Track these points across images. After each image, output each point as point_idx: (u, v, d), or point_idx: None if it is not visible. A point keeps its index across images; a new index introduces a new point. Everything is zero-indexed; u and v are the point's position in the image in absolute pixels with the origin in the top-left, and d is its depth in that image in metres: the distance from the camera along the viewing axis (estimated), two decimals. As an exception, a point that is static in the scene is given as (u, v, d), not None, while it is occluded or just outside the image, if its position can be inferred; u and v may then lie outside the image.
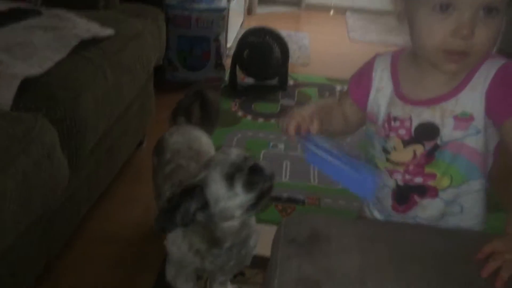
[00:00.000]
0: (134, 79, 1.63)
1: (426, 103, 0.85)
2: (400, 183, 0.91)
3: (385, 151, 0.91)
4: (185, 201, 0.99)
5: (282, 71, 2.87)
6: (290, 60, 2.96)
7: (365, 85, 0.92)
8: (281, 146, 2.26)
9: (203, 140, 1.38)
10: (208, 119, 1.54)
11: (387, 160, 0.91)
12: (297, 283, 0.73)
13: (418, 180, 0.89)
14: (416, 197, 0.91)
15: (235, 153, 1.04)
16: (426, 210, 0.91)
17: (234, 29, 3.64)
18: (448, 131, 0.83)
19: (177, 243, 1.15)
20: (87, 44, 1.47)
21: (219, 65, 2.84)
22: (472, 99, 0.81)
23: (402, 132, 0.88)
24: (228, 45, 3.22)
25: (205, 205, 1.01)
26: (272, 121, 2.52)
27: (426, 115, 0.85)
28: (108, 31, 1.55)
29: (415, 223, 0.90)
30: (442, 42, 0.77)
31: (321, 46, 3.83)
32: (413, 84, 0.86)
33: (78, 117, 1.25)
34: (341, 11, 4.97)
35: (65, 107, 1.22)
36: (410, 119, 0.86)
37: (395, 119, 0.88)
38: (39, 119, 1.14)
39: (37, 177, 1.09)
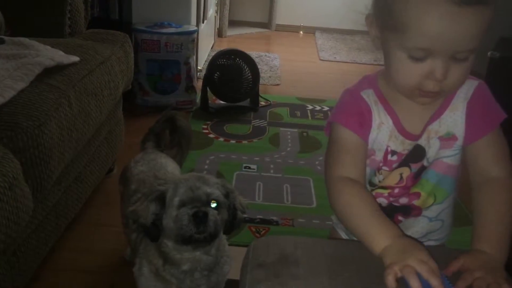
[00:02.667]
0: (101, 105, 1.61)
1: (420, 135, 0.85)
2: (384, 204, 0.90)
3: (371, 183, 0.91)
4: (147, 200, 1.05)
5: (253, 92, 2.89)
6: (261, 81, 2.99)
7: (368, 123, 0.87)
8: (254, 167, 2.26)
9: (169, 168, 1.36)
10: (179, 145, 1.54)
11: (373, 185, 0.91)
12: (266, 308, 0.71)
13: (403, 200, 0.90)
14: (400, 217, 0.91)
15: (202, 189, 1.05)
16: (410, 229, 0.91)
17: (205, 51, 3.66)
18: (433, 152, 0.85)
19: (142, 269, 1.14)
20: (52, 71, 1.45)
21: (190, 88, 2.84)
22: (454, 119, 0.84)
23: (394, 165, 0.88)
24: (199, 67, 3.23)
25: (161, 212, 1.05)
26: (244, 142, 2.52)
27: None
28: (72, 58, 1.54)
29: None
30: (417, 84, 0.78)
31: (291, 66, 3.87)
32: (410, 114, 0.85)
33: (42, 146, 1.22)
34: (311, 31, 5.06)
35: (28, 136, 1.19)
36: (407, 153, 0.87)
37: (393, 153, 0.87)
38: (0, 149, 1.11)
39: (-1, 209, 1.05)
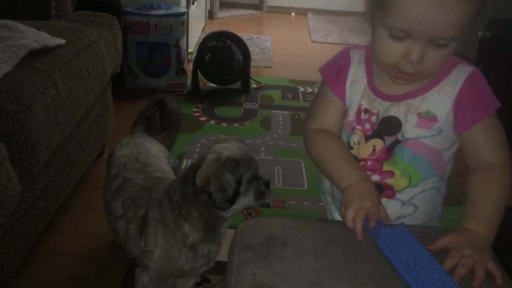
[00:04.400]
0: (88, 88, 1.59)
1: (394, 98, 0.86)
2: None
3: (349, 146, 0.91)
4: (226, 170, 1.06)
5: (244, 74, 2.87)
6: (252, 63, 2.96)
7: (342, 78, 0.91)
8: (245, 150, 2.25)
9: (153, 152, 1.36)
10: (169, 129, 1.53)
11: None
12: (252, 290, 0.71)
13: (376, 177, 0.89)
14: None
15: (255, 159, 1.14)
16: None
17: (196, 34, 3.63)
18: (410, 127, 0.85)
19: (164, 252, 1.14)
20: (37, 54, 1.43)
21: (181, 71, 2.81)
22: (439, 100, 0.83)
23: (367, 126, 0.88)
24: (190, 50, 3.20)
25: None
26: (236, 125, 2.51)
27: (391, 110, 0.86)
28: (58, 41, 1.51)
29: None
30: (394, 62, 0.79)
31: (283, 48, 3.85)
32: (386, 79, 0.87)
33: (28, 130, 1.21)
34: (303, 13, 5.02)
35: (14, 120, 1.18)
36: (378, 113, 0.87)
37: (365, 111, 0.88)
38: (-15, 134, 1.10)
39: (-15, 194, 1.04)
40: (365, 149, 0.89)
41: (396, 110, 0.86)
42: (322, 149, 0.91)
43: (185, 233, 1.12)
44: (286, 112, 2.70)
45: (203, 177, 1.07)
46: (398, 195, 0.90)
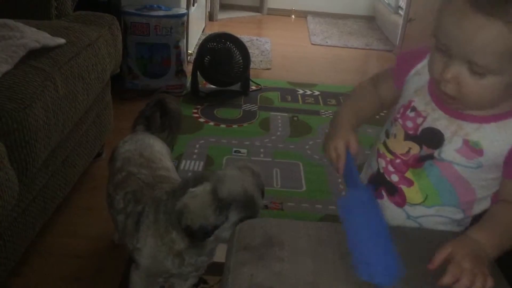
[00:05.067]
0: (88, 88, 1.59)
1: (450, 112, 0.82)
2: (381, 170, 0.89)
3: (386, 134, 0.90)
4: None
5: (243, 76, 2.87)
6: (252, 65, 2.97)
7: (412, 63, 0.89)
8: (244, 151, 2.26)
9: (156, 148, 1.36)
10: (169, 128, 1.53)
11: (383, 143, 0.90)
12: (249, 290, 0.72)
13: (395, 178, 0.87)
14: (383, 192, 0.89)
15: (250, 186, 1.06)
16: (385, 212, 0.89)
17: (196, 35, 3.63)
18: (450, 149, 0.81)
19: (152, 252, 1.13)
20: (37, 54, 1.43)
21: (180, 72, 2.81)
22: (495, 137, 0.78)
23: (409, 124, 0.85)
24: (190, 51, 3.21)
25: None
26: (235, 126, 2.52)
27: (441, 122, 0.82)
28: (58, 40, 1.51)
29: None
30: (435, 76, 0.77)
31: (283, 50, 3.85)
32: None
33: (27, 129, 1.21)
34: (302, 15, 5.03)
35: (13, 119, 1.18)
36: (426, 117, 0.84)
37: (413, 109, 0.85)
38: (-16, 132, 1.10)
39: (-16, 192, 1.04)
40: (400, 146, 0.86)
41: (445, 126, 0.81)
42: (354, 91, 1.00)
43: (172, 239, 1.11)
44: (285, 114, 2.70)
45: (180, 206, 1.05)
46: (407, 207, 0.87)
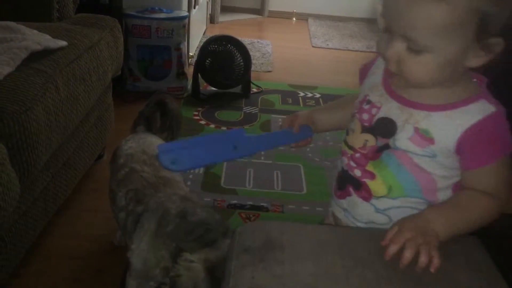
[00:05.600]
0: (89, 90, 1.60)
1: (402, 101, 0.83)
2: (345, 167, 0.90)
3: (347, 132, 0.91)
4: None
5: (244, 78, 2.87)
6: (253, 68, 2.97)
7: (369, 67, 0.93)
8: (245, 153, 2.26)
9: None
10: (169, 128, 1.54)
11: (344, 141, 0.91)
12: (250, 293, 0.72)
13: (357, 173, 0.88)
14: (350, 189, 0.90)
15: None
16: (355, 208, 0.90)
17: (197, 37, 3.64)
18: (403, 137, 0.81)
19: (143, 257, 1.13)
20: (38, 56, 1.44)
21: (181, 74, 2.82)
22: (443, 126, 0.78)
23: (365, 117, 0.86)
24: (191, 53, 3.21)
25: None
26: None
27: (393, 111, 0.83)
28: (60, 43, 1.52)
29: (366, 228, 0.90)
30: (382, 55, 0.79)
31: (284, 53, 3.86)
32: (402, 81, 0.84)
33: (29, 131, 1.21)
34: (303, 18, 5.04)
35: (14, 121, 1.18)
36: (380, 107, 0.85)
37: (368, 102, 0.87)
38: (-14, 134, 1.10)
39: (-15, 194, 1.05)
40: (358, 140, 0.87)
41: (397, 115, 0.82)
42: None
43: (162, 256, 1.10)
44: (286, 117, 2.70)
45: (173, 275, 1.04)
46: (373, 201, 0.87)
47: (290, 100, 2.94)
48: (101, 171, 1.94)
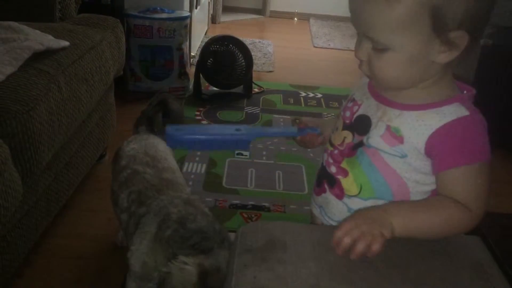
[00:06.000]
0: (91, 90, 1.60)
1: (381, 99, 0.83)
2: (324, 163, 0.90)
3: (333, 130, 0.91)
4: None
5: (246, 79, 2.88)
6: (254, 68, 2.97)
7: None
8: (246, 153, 2.26)
9: (160, 147, 1.37)
10: None
11: (329, 139, 0.91)
12: (252, 293, 0.72)
13: (333, 169, 0.87)
14: (326, 185, 0.90)
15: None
16: (329, 206, 0.90)
17: (198, 37, 3.64)
18: (375, 135, 0.80)
19: (142, 259, 1.13)
20: (41, 56, 1.44)
21: (183, 74, 2.82)
22: (414, 126, 0.77)
23: (347, 114, 0.87)
24: (193, 53, 3.22)
25: None
26: (237, 129, 2.52)
27: (371, 108, 0.83)
28: (62, 43, 1.52)
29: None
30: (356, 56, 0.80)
31: (285, 53, 3.86)
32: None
33: (31, 131, 1.22)
34: (305, 18, 5.04)
35: (17, 121, 1.18)
36: (360, 105, 0.85)
37: (352, 100, 0.88)
38: (-11, 134, 1.10)
39: (-12, 194, 1.05)
40: (339, 137, 0.87)
41: (374, 112, 0.82)
42: None
43: (160, 260, 1.09)
44: (288, 117, 2.70)
45: (164, 273, 1.03)
46: (346, 199, 0.86)
47: (291, 100, 2.94)
48: (103, 171, 1.95)
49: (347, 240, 0.72)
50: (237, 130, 0.92)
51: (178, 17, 2.72)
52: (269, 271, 0.75)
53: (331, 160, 0.88)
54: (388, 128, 0.79)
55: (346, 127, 0.87)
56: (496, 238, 0.90)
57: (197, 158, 2.18)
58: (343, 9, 5.03)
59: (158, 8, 2.74)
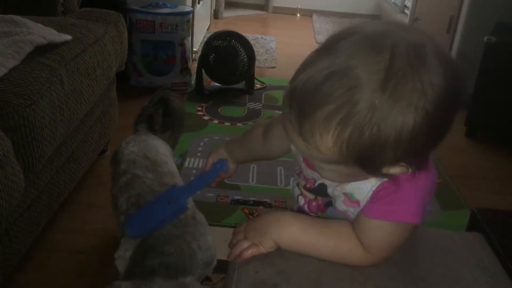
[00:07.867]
0: (94, 85, 1.60)
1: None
2: (303, 208, 0.87)
3: (297, 185, 0.88)
4: None
5: (248, 74, 2.87)
6: (257, 64, 2.97)
7: None
8: (248, 149, 2.26)
9: (160, 150, 1.35)
10: (172, 127, 1.52)
11: (297, 184, 0.88)
12: (254, 287, 0.72)
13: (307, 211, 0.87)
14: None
15: None
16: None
17: (201, 33, 3.64)
18: (338, 201, 0.79)
19: (124, 264, 1.13)
20: (43, 50, 1.44)
21: (185, 70, 2.82)
22: (361, 187, 0.76)
23: (308, 183, 0.84)
24: (195, 49, 3.21)
25: None
26: (239, 124, 2.52)
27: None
28: (65, 37, 1.52)
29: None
30: None
31: (288, 49, 3.85)
32: None
33: (33, 125, 1.21)
34: (308, 14, 5.03)
35: (19, 114, 1.18)
36: (315, 179, 0.83)
37: (305, 170, 0.84)
38: (-9, 127, 1.10)
39: (-10, 187, 1.05)
40: (308, 195, 0.85)
41: (328, 182, 0.80)
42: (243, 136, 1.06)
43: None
44: (290, 113, 2.69)
45: None
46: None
47: (293, 97, 2.94)
48: (104, 166, 1.94)
49: (233, 242, 0.79)
50: (168, 204, 1.00)
51: (180, 12, 2.71)
52: (271, 266, 0.75)
53: (306, 209, 0.86)
54: (346, 194, 0.78)
55: (309, 190, 0.84)
56: (498, 235, 0.90)
57: (198, 154, 2.17)
58: (345, 5, 5.03)
59: (161, 3, 2.74)
